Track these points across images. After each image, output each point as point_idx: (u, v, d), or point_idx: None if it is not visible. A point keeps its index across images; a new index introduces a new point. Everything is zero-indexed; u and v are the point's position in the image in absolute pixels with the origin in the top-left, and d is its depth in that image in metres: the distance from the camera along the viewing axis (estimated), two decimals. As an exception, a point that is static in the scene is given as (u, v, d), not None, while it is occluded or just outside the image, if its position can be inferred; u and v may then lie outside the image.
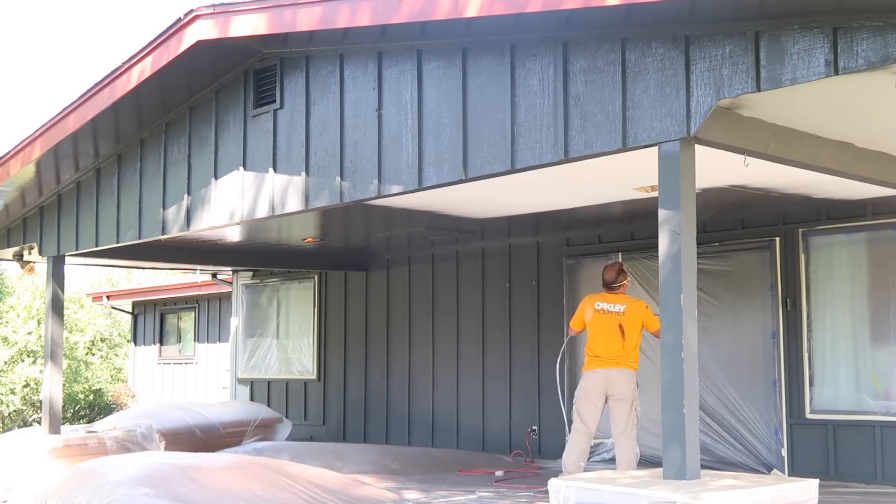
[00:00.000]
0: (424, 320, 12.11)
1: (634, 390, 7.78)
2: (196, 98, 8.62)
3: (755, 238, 9.22)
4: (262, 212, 7.96)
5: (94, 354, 22.49)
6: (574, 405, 7.89)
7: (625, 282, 8.04)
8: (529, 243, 11.06)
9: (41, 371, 16.32)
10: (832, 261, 8.83)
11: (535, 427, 10.72)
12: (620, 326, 7.80)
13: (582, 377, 7.93)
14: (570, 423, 8.03)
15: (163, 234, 8.99)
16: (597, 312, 7.92)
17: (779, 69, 4.90)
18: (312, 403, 13.59)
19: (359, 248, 12.48)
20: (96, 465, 7.45)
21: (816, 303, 8.84)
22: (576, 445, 7.77)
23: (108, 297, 20.54)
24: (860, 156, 6.53)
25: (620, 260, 10.04)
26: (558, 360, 9.05)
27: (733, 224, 9.40)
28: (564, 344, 9.13)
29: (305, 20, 6.87)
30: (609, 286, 8.00)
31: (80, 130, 8.78)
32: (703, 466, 5.40)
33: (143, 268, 18.19)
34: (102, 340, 23.40)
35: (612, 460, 9.95)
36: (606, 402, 7.80)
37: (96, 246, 9.86)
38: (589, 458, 10.11)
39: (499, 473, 9.48)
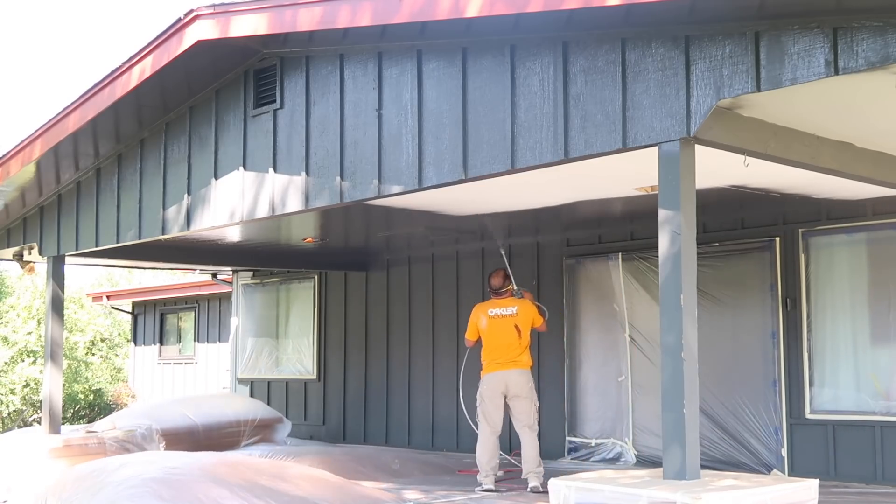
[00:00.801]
0: (424, 320, 12.11)
1: (533, 387, 8.45)
2: (196, 98, 8.62)
3: (755, 238, 9.22)
4: (262, 212, 7.96)
5: (94, 354, 22.49)
6: (479, 409, 8.46)
7: (510, 286, 8.65)
8: (529, 243, 11.06)
9: (41, 371, 16.33)
10: (832, 261, 8.83)
11: (534, 427, 10.71)
12: (516, 327, 8.43)
13: (482, 381, 8.47)
14: (476, 424, 8.60)
15: (163, 234, 8.99)
16: (491, 319, 8.51)
17: (779, 69, 4.90)
18: (312, 403, 13.59)
19: (359, 248, 12.48)
20: (96, 466, 7.45)
21: (816, 303, 8.83)
22: (488, 446, 8.34)
23: (108, 297, 20.54)
24: (860, 156, 6.53)
25: (622, 259, 10.05)
26: (461, 370, 9.71)
27: (733, 224, 9.40)
28: (465, 357, 9.57)
29: (306, 20, 6.88)
30: (497, 292, 8.61)
31: (81, 130, 8.79)
32: (703, 466, 5.41)
33: (143, 268, 18.20)
34: (102, 340, 23.40)
35: (612, 460, 9.96)
36: (506, 401, 8.39)
37: (96, 246, 9.86)
38: (588, 459, 10.16)
39: (499, 473, 9.47)
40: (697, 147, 5.39)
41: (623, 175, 7.08)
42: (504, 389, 8.37)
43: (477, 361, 8.76)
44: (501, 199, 8.36)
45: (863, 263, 8.65)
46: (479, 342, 8.69)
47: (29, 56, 76.44)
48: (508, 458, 10.44)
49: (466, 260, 11.69)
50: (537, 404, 8.46)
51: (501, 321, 8.49)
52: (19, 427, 18.63)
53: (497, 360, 8.41)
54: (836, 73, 4.70)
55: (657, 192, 5.41)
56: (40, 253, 10.65)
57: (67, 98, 42.62)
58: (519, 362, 8.41)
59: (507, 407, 8.46)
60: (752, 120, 5.65)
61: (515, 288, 8.76)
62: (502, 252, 9.78)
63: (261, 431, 12.18)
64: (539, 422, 8.49)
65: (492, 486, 8.31)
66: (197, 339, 18.84)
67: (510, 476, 9.33)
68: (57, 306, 10.66)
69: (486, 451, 8.36)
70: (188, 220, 8.67)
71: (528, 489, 8.23)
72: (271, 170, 7.89)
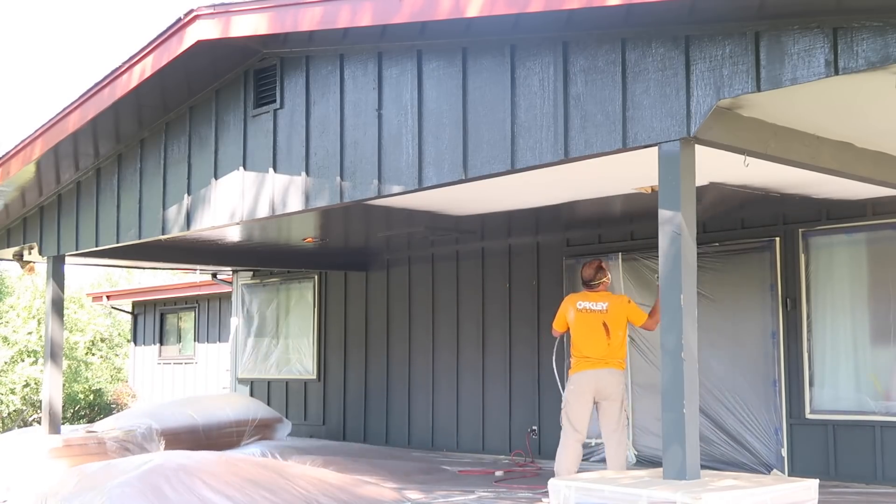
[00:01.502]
0: (424, 320, 12.11)
1: (624, 389, 7.64)
2: (196, 98, 8.62)
3: (755, 238, 9.22)
4: (262, 212, 7.97)
5: (94, 354, 22.48)
6: (563, 409, 7.67)
7: (604, 279, 7.82)
8: (529, 243, 11.06)
9: (41, 371, 16.32)
10: (832, 261, 8.83)
11: (534, 427, 10.72)
12: (605, 325, 7.61)
13: (569, 380, 7.71)
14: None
15: (163, 234, 8.99)
16: (579, 312, 7.71)
17: (779, 69, 4.90)
18: (312, 403, 13.59)
19: (359, 248, 12.48)
20: (96, 466, 7.46)
21: (816, 303, 8.83)
22: (569, 451, 7.55)
23: (108, 297, 20.54)
24: (860, 156, 6.53)
25: (622, 259, 10.05)
26: (553, 357, 8.80)
27: (733, 224, 9.40)
28: (556, 344, 8.84)
29: (306, 20, 6.88)
30: (588, 284, 7.81)
31: (81, 130, 8.79)
32: (703, 466, 5.41)
33: (143, 268, 18.20)
34: (102, 340, 23.40)
35: (612, 460, 9.94)
36: (595, 403, 7.61)
37: (96, 246, 9.87)
38: (588, 459, 10.15)
39: (499, 473, 9.48)
40: (697, 147, 5.40)
41: (623, 175, 7.09)
42: (594, 390, 7.55)
43: (564, 354, 8.01)
44: (501, 198, 8.36)
45: (863, 263, 8.65)
46: (566, 334, 7.99)
47: (29, 56, 76.44)
48: (509, 458, 10.45)
49: (466, 260, 11.69)
50: (628, 409, 7.69)
51: (589, 316, 7.66)
52: (19, 427, 18.63)
53: (586, 356, 7.60)
54: (836, 73, 4.70)
55: (657, 192, 5.42)
56: (40, 253, 10.65)
57: (67, 98, 42.62)
58: (610, 362, 7.58)
59: (595, 410, 7.66)
60: (752, 120, 5.65)
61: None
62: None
63: (261, 431, 12.19)
64: (627, 427, 7.76)
65: None
66: (197, 339, 18.84)
67: (510, 476, 9.34)
68: (57, 306, 10.67)
69: (567, 457, 7.52)
70: (188, 220, 8.67)
71: None
72: (271, 170, 7.89)
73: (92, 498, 6.65)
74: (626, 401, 7.64)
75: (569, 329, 7.80)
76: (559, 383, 8.44)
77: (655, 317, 7.64)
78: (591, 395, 7.57)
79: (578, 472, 7.40)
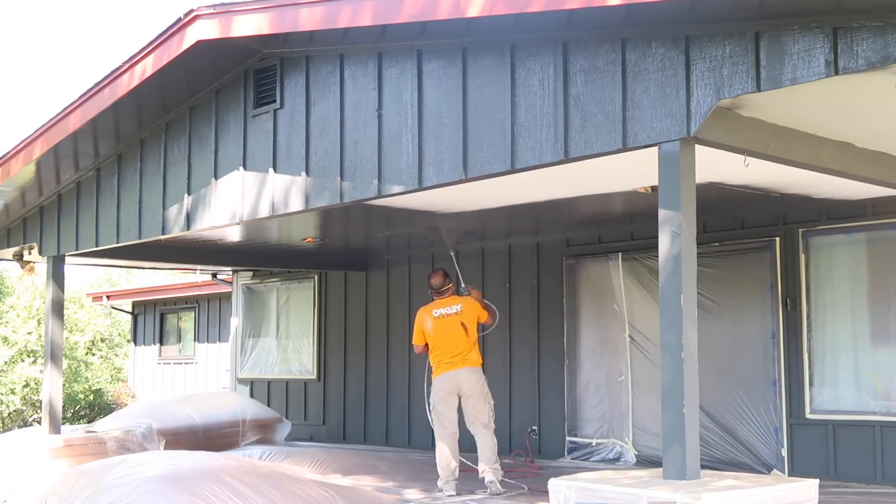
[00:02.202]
0: (424, 320, 12.09)
1: (485, 384, 8.28)
2: (196, 98, 8.62)
3: (755, 238, 9.22)
4: (262, 212, 7.97)
5: (94, 354, 22.48)
6: (433, 412, 8.32)
7: (451, 284, 8.56)
8: (529, 243, 11.06)
9: (41, 371, 16.33)
10: (832, 261, 8.83)
11: (535, 427, 10.72)
12: (462, 325, 8.30)
13: (433, 384, 8.36)
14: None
15: (163, 234, 8.99)
16: (436, 320, 8.38)
17: (779, 69, 4.90)
18: (312, 403, 13.59)
19: (359, 248, 12.48)
20: (97, 465, 7.45)
21: (816, 303, 8.83)
22: (449, 449, 8.18)
23: (108, 297, 20.54)
24: (860, 156, 6.53)
25: (622, 259, 10.05)
26: (426, 378, 9.24)
27: (733, 224, 9.40)
28: (427, 360, 8.99)
29: (307, 20, 6.88)
30: (438, 291, 8.53)
31: (81, 130, 8.79)
32: (703, 466, 5.40)
33: (143, 268, 18.20)
34: (102, 340, 23.40)
35: (612, 460, 9.96)
36: (459, 400, 8.25)
37: (96, 246, 9.86)
38: (588, 459, 10.16)
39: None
40: (697, 147, 5.40)
41: (622, 175, 7.08)
42: (457, 390, 8.24)
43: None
44: (500, 195, 8.33)
45: (863, 263, 8.65)
46: (427, 346, 8.55)
47: (29, 56, 76.43)
48: (509, 458, 10.43)
49: (466, 260, 11.68)
50: (492, 402, 8.30)
51: (447, 321, 8.35)
52: (19, 427, 18.63)
53: (446, 360, 8.27)
54: (836, 73, 4.70)
55: (655, 192, 5.42)
56: (40, 253, 10.65)
57: (67, 98, 42.59)
58: (468, 360, 8.26)
59: (460, 407, 8.32)
60: (752, 120, 5.65)
61: (463, 285, 8.77)
62: (452, 255, 9.82)
63: (260, 431, 12.19)
64: (494, 419, 8.32)
65: (454, 493, 8.10)
66: (197, 339, 18.84)
67: (510, 476, 9.32)
68: (57, 306, 10.66)
69: (445, 456, 8.20)
70: (188, 220, 8.67)
71: (486, 484, 8.09)
72: (271, 170, 7.89)
73: (93, 496, 6.64)
74: (489, 393, 8.28)
75: (426, 343, 8.47)
76: (426, 402, 8.95)
77: (488, 311, 8.60)
78: (454, 394, 8.26)
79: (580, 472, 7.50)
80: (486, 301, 8.86)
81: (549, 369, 10.67)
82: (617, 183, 7.49)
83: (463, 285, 8.79)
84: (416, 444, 11.96)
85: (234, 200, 8.22)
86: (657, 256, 5.34)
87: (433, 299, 8.60)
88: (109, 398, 20.60)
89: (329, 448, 11.53)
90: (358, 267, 12.95)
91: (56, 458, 9.67)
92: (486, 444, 8.18)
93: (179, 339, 19.54)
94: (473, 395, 8.21)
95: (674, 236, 5.21)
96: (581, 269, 10.58)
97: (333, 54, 7.44)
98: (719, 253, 9.36)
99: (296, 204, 7.69)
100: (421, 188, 6.78)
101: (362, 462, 10.06)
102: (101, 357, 22.58)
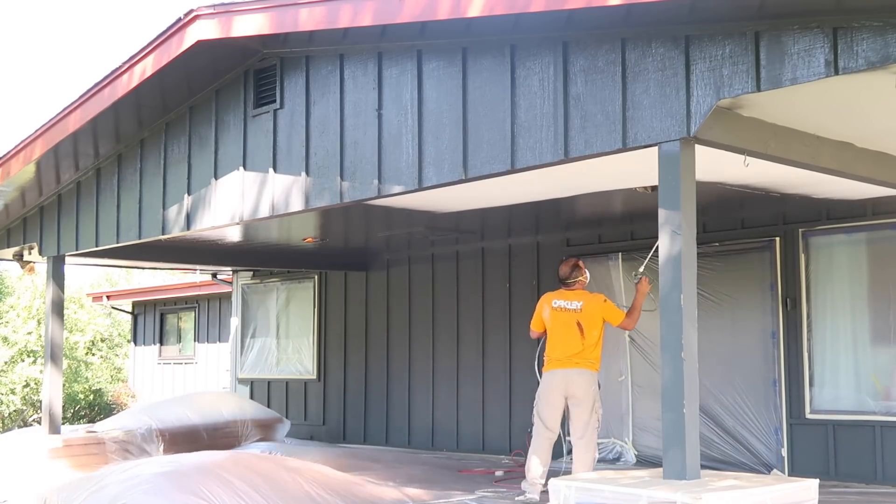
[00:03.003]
0: (424, 320, 12.11)
1: (595, 392, 7.51)
2: (196, 98, 8.62)
3: (755, 238, 9.22)
4: (262, 212, 7.97)
5: (94, 354, 22.49)
6: (535, 408, 7.64)
7: (581, 277, 7.74)
8: (529, 243, 11.06)
9: (41, 371, 16.34)
10: (832, 261, 8.83)
11: (535, 427, 10.70)
12: (578, 324, 7.51)
13: (542, 378, 7.68)
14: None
15: (163, 234, 8.99)
16: (553, 311, 7.62)
17: (779, 69, 4.90)
18: (312, 403, 13.59)
19: (359, 248, 12.48)
20: (100, 468, 7.46)
21: (816, 303, 8.83)
22: (538, 450, 7.51)
23: (108, 297, 20.54)
24: (860, 156, 6.53)
25: (622, 259, 10.04)
26: (536, 362, 8.52)
27: (733, 224, 9.40)
28: (538, 347, 8.56)
29: (307, 20, 6.87)
30: (564, 282, 7.72)
31: (81, 130, 8.79)
32: (703, 466, 5.40)
33: (143, 268, 18.21)
34: (102, 340, 23.40)
35: (612, 460, 9.96)
36: (567, 404, 7.52)
37: (96, 246, 9.86)
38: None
39: (499, 473, 9.48)
40: (697, 147, 5.40)
41: (622, 174, 7.08)
42: (563, 390, 7.48)
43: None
44: (500, 193, 8.31)
45: (863, 263, 8.65)
46: (542, 335, 7.88)
47: (29, 56, 76.44)
48: (509, 458, 10.44)
49: (466, 260, 11.69)
50: (599, 411, 7.52)
51: (563, 315, 7.57)
52: (19, 427, 18.63)
53: (557, 357, 7.53)
54: (836, 73, 4.70)
55: (655, 192, 5.42)
56: (40, 253, 10.65)
57: (67, 98, 42.59)
58: (581, 363, 7.47)
59: (566, 410, 7.60)
60: (752, 120, 5.65)
61: (640, 270, 7.74)
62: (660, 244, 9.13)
63: (260, 431, 12.19)
64: (598, 430, 7.56)
65: (536, 498, 7.43)
66: (197, 339, 18.84)
67: (510, 476, 9.34)
68: (57, 306, 10.66)
69: (537, 457, 7.50)
70: (188, 221, 8.67)
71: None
72: (271, 170, 7.89)
73: (93, 496, 6.65)
74: (598, 403, 7.55)
75: (545, 330, 7.72)
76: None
77: (634, 315, 7.64)
78: (561, 395, 7.50)
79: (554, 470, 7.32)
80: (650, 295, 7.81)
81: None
82: (617, 182, 7.48)
83: (640, 271, 7.76)
84: (416, 444, 11.96)
85: (234, 200, 8.22)
86: (657, 256, 5.34)
87: (560, 288, 7.80)
88: (109, 398, 20.60)
89: (329, 447, 11.53)
90: (358, 267, 12.95)
91: (56, 458, 9.67)
92: (578, 459, 7.43)
93: (179, 339, 19.54)
94: (580, 401, 7.44)
95: (674, 236, 5.21)
96: (581, 269, 10.57)
97: (333, 54, 7.44)
98: (719, 253, 9.36)
99: (296, 204, 7.69)
100: (421, 188, 6.78)
101: (360, 461, 10.06)
102: (101, 357, 22.59)
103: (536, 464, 7.50)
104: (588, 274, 7.93)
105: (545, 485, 7.39)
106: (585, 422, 7.44)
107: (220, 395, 13.42)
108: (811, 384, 8.80)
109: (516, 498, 7.58)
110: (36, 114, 62.88)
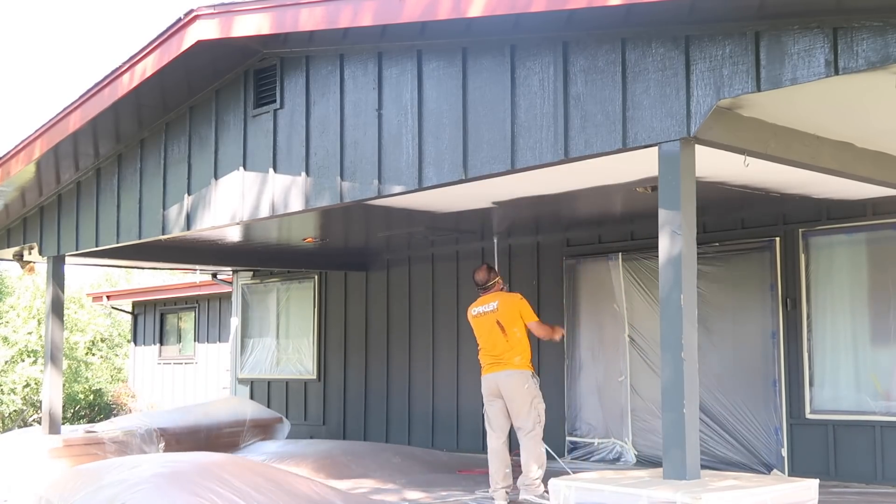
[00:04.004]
0: (424, 320, 12.11)
1: (529, 389, 7.63)
2: (196, 98, 8.62)
3: (755, 238, 9.22)
4: (262, 212, 7.96)
5: (94, 354, 22.49)
6: (483, 414, 7.89)
7: (497, 279, 8.01)
8: (529, 243, 11.06)
9: (41, 371, 16.33)
10: (832, 261, 8.83)
11: (535, 427, 10.69)
12: (498, 323, 7.71)
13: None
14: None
15: (163, 234, 8.99)
16: (474, 318, 7.94)
17: (779, 69, 4.90)
18: (312, 403, 13.59)
19: (359, 248, 12.48)
20: (97, 465, 7.46)
21: (816, 303, 8.83)
22: (490, 454, 7.74)
23: (108, 297, 20.54)
24: (860, 156, 6.53)
25: (622, 259, 10.05)
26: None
27: (733, 224, 9.40)
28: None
29: (307, 20, 6.88)
30: (483, 287, 7.99)
31: (81, 130, 8.79)
32: (703, 466, 5.41)
33: (143, 268, 18.21)
34: (102, 340, 23.40)
35: (612, 460, 9.96)
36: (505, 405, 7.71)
37: (96, 246, 9.86)
38: (588, 459, 10.15)
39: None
40: (697, 147, 5.40)
41: (621, 172, 7.08)
42: (496, 392, 7.71)
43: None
44: (499, 188, 8.29)
45: (863, 263, 8.65)
46: None
47: (29, 56, 76.44)
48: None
49: (466, 260, 11.69)
50: (539, 407, 7.64)
51: (482, 319, 7.84)
52: (19, 427, 18.63)
53: (487, 361, 7.79)
54: (836, 73, 4.70)
55: (655, 192, 5.42)
56: (40, 253, 10.65)
57: (67, 98, 42.61)
58: (507, 363, 7.67)
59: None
60: (752, 120, 5.65)
61: (563, 336, 8.06)
62: (495, 241, 9.31)
63: (262, 432, 12.18)
64: (542, 425, 7.69)
65: (503, 502, 7.60)
66: (197, 339, 18.84)
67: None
68: (57, 307, 10.66)
69: (493, 461, 7.71)
70: (188, 221, 8.67)
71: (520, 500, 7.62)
72: (271, 170, 7.89)
73: (93, 495, 6.65)
74: (537, 399, 7.65)
75: None
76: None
77: (544, 330, 7.91)
78: (496, 397, 7.73)
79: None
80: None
81: (549, 369, 10.66)
82: (616, 180, 7.47)
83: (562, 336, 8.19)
84: (416, 443, 11.96)
85: (234, 200, 8.22)
86: (657, 256, 5.34)
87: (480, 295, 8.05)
88: (109, 398, 20.60)
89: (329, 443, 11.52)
90: (358, 267, 12.95)
91: (55, 458, 9.67)
92: (525, 455, 7.57)
93: (179, 340, 19.54)
94: (514, 400, 7.61)
95: (674, 236, 5.21)
96: (581, 269, 10.58)
97: (333, 54, 7.44)
98: (719, 253, 9.36)
99: (296, 204, 7.69)
100: (421, 188, 6.78)
101: (364, 459, 10.05)
102: (101, 357, 22.59)
103: (493, 469, 7.71)
104: (500, 276, 8.17)
105: (513, 486, 7.69)
106: (525, 419, 7.59)
107: (221, 400, 13.43)
108: (811, 384, 8.80)
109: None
110: (36, 114, 62.90)
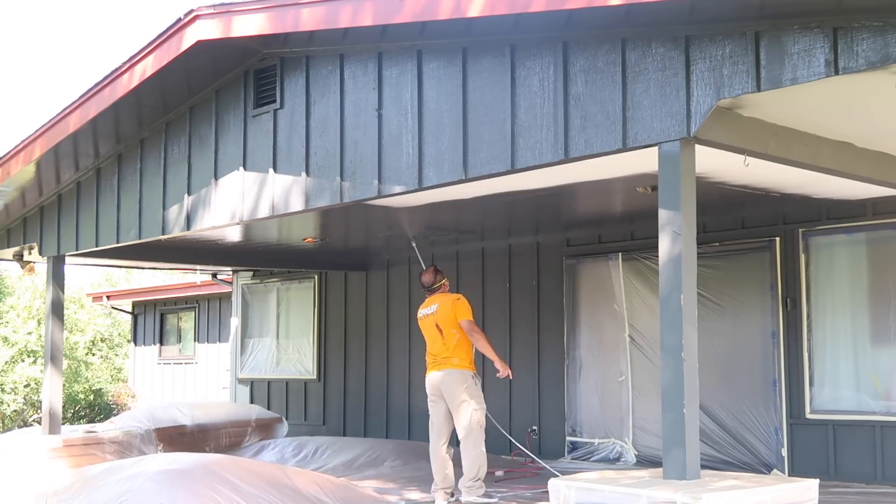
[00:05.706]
0: (424, 320, 12.09)
1: (468, 389, 7.68)
2: (196, 98, 8.62)
3: (755, 238, 9.22)
4: (262, 212, 7.97)
5: (94, 354, 22.49)
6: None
7: (444, 281, 8.23)
8: (529, 243, 11.06)
9: (41, 371, 16.33)
10: (832, 261, 8.83)
11: (535, 427, 10.71)
12: (437, 325, 7.89)
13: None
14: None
15: (163, 234, 8.99)
16: (420, 320, 8.11)
17: (779, 69, 4.90)
18: (312, 403, 13.59)
19: (359, 248, 12.47)
20: (99, 468, 7.46)
21: (816, 303, 8.83)
22: (431, 452, 7.89)
23: (108, 297, 20.54)
24: (860, 156, 6.53)
25: (622, 259, 10.04)
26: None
27: (733, 224, 9.40)
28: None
29: (307, 20, 6.88)
30: (430, 289, 8.18)
31: (81, 130, 8.79)
32: (703, 466, 5.41)
33: (143, 268, 18.21)
34: (102, 340, 23.40)
35: (612, 460, 9.96)
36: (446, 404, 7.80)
37: (96, 246, 9.86)
38: (588, 459, 10.15)
39: (499, 473, 9.47)
40: (697, 147, 5.40)
41: (621, 171, 7.07)
42: (437, 392, 7.82)
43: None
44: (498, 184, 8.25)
45: (863, 263, 8.65)
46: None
47: (29, 56, 76.44)
48: (509, 458, 10.44)
49: (466, 260, 11.69)
50: (477, 409, 7.65)
51: (425, 321, 8.02)
52: (19, 427, 18.63)
53: (429, 361, 7.95)
54: (837, 73, 4.70)
55: (655, 192, 5.42)
56: (40, 253, 10.65)
57: (67, 98, 42.62)
58: (446, 363, 7.75)
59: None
60: (752, 120, 5.65)
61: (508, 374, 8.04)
62: (414, 245, 9.57)
63: (261, 432, 12.19)
64: (482, 427, 7.72)
65: (443, 502, 7.69)
66: (197, 339, 18.84)
67: (510, 476, 9.33)
68: (57, 307, 10.66)
69: (433, 461, 7.83)
70: (188, 221, 8.67)
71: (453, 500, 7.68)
72: (271, 170, 7.89)
73: (93, 495, 6.65)
74: (477, 400, 7.70)
75: None
76: None
77: (481, 341, 7.87)
78: (436, 396, 7.87)
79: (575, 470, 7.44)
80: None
81: (550, 369, 10.67)
82: (616, 177, 7.46)
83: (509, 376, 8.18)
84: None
85: (235, 200, 8.22)
86: (657, 256, 5.34)
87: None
88: (109, 398, 20.60)
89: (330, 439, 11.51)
90: (358, 267, 12.95)
91: (56, 458, 9.67)
92: (465, 455, 7.61)
93: (179, 340, 19.54)
94: (452, 400, 7.71)
95: (674, 236, 5.21)
96: (581, 269, 10.58)
97: (333, 54, 7.44)
98: (719, 253, 9.36)
99: (296, 204, 7.69)
100: (421, 188, 6.78)
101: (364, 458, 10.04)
102: (102, 357, 22.59)
103: (434, 470, 7.81)
104: (446, 278, 8.35)
105: (455, 487, 7.71)
106: (462, 419, 7.65)
107: (219, 403, 13.44)
108: (811, 384, 8.80)
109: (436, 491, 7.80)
110: (36, 114, 62.90)
